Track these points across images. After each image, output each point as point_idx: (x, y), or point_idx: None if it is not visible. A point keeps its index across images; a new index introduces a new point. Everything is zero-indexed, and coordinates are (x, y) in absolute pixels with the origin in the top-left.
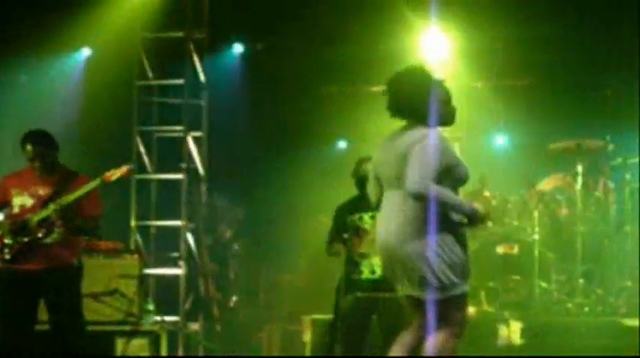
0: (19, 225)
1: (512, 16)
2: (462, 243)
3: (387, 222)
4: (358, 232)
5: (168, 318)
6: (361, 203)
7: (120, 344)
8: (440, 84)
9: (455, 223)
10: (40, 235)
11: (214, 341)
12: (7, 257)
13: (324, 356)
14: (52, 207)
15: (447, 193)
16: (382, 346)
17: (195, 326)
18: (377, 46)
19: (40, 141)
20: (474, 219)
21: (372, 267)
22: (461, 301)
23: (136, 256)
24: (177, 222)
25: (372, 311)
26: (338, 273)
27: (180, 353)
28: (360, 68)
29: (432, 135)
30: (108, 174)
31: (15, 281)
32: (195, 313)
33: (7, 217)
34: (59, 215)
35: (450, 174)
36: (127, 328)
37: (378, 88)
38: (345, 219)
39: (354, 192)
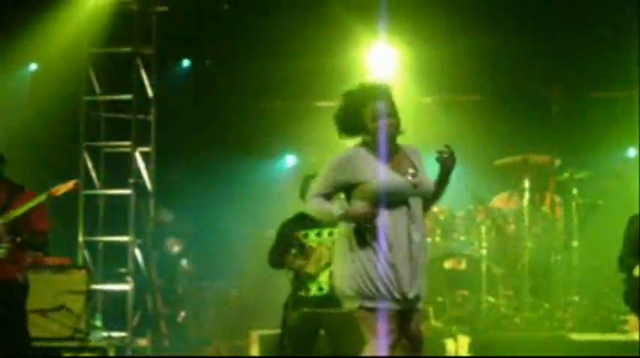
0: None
1: (459, 30)
2: (379, 258)
3: None
4: (303, 250)
5: (115, 334)
6: (307, 220)
7: None
8: (377, 98)
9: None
10: None
11: (162, 357)
12: None
13: None
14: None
15: (322, 206)
16: None
17: (143, 342)
18: (324, 60)
19: None
20: (360, 222)
21: (320, 284)
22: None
23: (83, 271)
24: (125, 238)
25: (318, 326)
26: (285, 289)
27: None
28: (308, 83)
29: (339, 153)
30: (54, 189)
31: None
32: (144, 328)
33: None
34: (6, 230)
35: (359, 190)
36: (75, 344)
37: (325, 103)
38: (289, 236)
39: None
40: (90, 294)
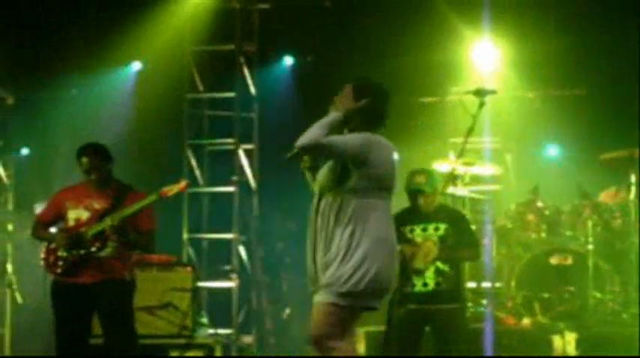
0: (73, 239)
1: (563, 25)
2: None
3: None
4: (410, 245)
5: (221, 331)
6: (413, 215)
7: None
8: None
9: None
10: (94, 249)
11: (268, 354)
12: (61, 270)
13: None
14: (107, 220)
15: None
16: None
17: (248, 339)
18: (427, 57)
19: (96, 154)
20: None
21: (425, 280)
22: None
23: (188, 269)
24: (229, 235)
25: (424, 323)
26: None
27: None
28: (411, 79)
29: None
30: (165, 189)
31: (68, 294)
32: (249, 326)
33: (61, 230)
34: (114, 229)
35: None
36: (181, 341)
37: (428, 99)
38: (398, 231)
39: (406, 203)
40: (195, 291)
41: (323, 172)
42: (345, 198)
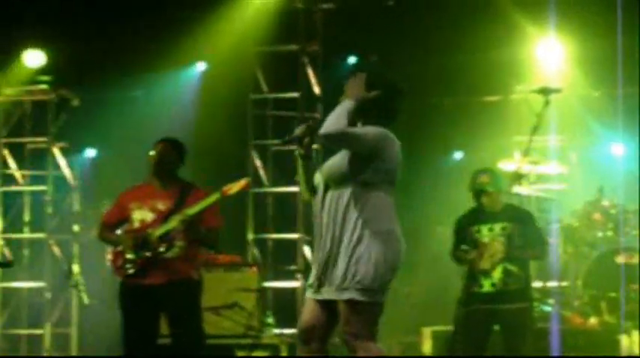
0: (140, 240)
1: (629, 22)
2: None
3: None
4: (476, 245)
5: (286, 331)
6: (479, 215)
7: None
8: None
9: None
10: (161, 249)
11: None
12: (130, 272)
13: None
14: (173, 220)
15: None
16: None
17: None
18: (491, 55)
19: (174, 147)
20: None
21: (492, 280)
22: None
23: (254, 269)
24: (295, 235)
25: (492, 322)
26: (456, 286)
27: None
28: (474, 78)
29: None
30: (226, 187)
31: (137, 295)
32: None
33: (127, 232)
34: (181, 229)
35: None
36: (248, 341)
37: (492, 98)
38: (464, 231)
39: (469, 203)
40: (261, 292)
41: (334, 164)
42: (357, 191)
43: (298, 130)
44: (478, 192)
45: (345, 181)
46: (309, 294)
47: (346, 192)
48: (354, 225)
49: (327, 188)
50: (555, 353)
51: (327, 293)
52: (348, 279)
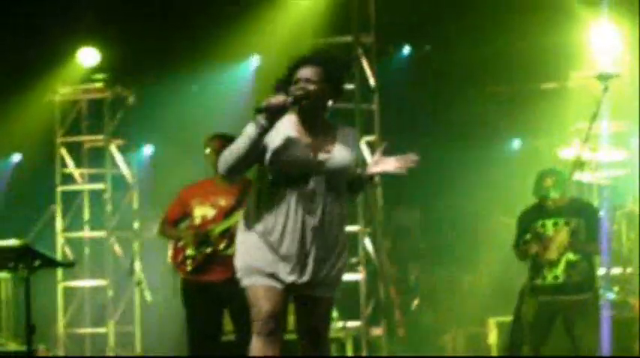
0: (201, 237)
1: None
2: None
3: None
4: (540, 239)
5: (350, 324)
6: (543, 210)
7: None
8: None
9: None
10: (221, 246)
11: (398, 346)
12: (190, 268)
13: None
14: (234, 217)
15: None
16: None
17: (377, 331)
18: (545, 41)
19: (227, 140)
20: (268, 110)
21: (556, 272)
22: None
23: None
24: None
25: (555, 314)
26: (521, 277)
27: None
28: (529, 65)
29: None
30: None
31: (198, 292)
32: (377, 318)
33: (188, 229)
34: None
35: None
36: None
37: (549, 85)
38: (528, 225)
39: (528, 191)
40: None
41: (343, 158)
42: (344, 193)
43: (275, 100)
44: (543, 198)
45: (344, 178)
46: (277, 284)
47: (343, 190)
48: (342, 226)
49: (314, 180)
50: (605, 341)
51: (319, 290)
52: (339, 278)
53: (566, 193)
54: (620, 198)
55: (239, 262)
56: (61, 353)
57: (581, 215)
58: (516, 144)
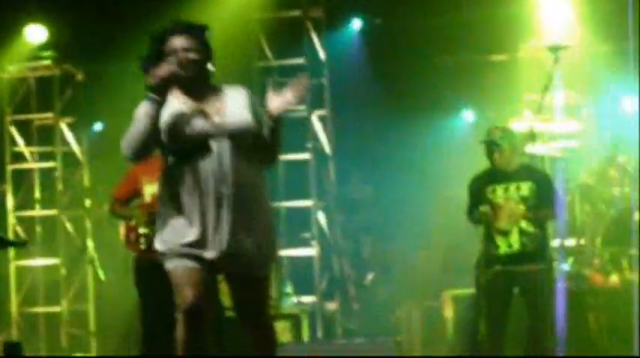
0: (153, 215)
1: None
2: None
3: None
4: (492, 206)
5: (304, 299)
6: (494, 175)
7: None
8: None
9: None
10: None
11: (352, 321)
12: (143, 247)
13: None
14: None
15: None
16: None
17: (332, 306)
18: (495, 13)
19: None
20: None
21: (510, 241)
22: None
23: None
24: (308, 202)
25: (511, 284)
26: (472, 249)
27: (320, 334)
28: (479, 36)
29: None
30: None
31: (152, 270)
32: (332, 293)
33: (139, 207)
34: None
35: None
36: None
37: (499, 57)
38: (480, 192)
39: (482, 163)
40: (278, 261)
41: (237, 120)
42: (255, 156)
43: (163, 72)
44: (490, 147)
45: (248, 138)
46: (197, 264)
47: (252, 153)
48: (265, 198)
49: (217, 146)
50: (560, 312)
51: (253, 270)
52: (271, 253)
53: (516, 153)
54: (574, 170)
55: (158, 246)
56: (14, 332)
57: (532, 179)
58: (469, 116)
